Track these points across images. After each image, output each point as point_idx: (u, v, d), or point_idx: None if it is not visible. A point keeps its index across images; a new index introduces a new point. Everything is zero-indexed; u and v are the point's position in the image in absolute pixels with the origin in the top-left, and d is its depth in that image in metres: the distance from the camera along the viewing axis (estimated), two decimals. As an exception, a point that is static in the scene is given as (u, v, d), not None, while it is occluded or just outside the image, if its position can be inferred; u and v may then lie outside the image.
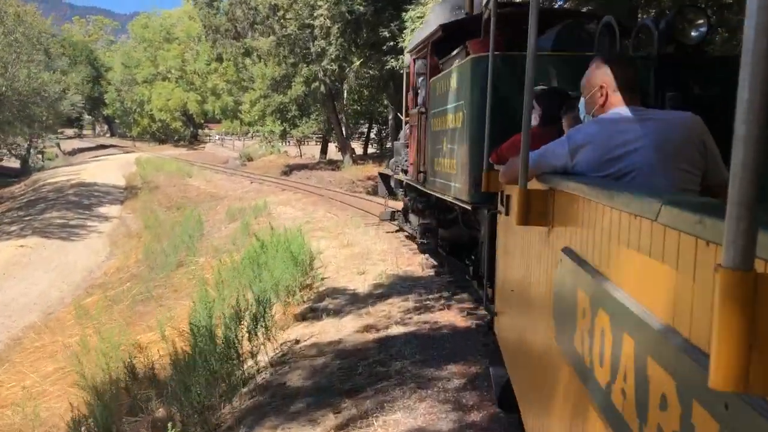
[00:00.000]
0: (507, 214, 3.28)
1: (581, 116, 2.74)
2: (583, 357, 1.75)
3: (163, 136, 64.10)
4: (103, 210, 25.01)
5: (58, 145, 57.34)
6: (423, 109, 7.53)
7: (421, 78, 8.08)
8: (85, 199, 27.04)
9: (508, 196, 3.25)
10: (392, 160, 11.04)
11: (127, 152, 53.54)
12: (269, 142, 38.08)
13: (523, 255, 2.89)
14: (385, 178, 11.78)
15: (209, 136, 58.13)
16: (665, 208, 1.19)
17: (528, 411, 2.76)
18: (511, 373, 3.34)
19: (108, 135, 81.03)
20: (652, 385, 1.21)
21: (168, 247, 14.83)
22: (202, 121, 64.15)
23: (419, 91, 8.31)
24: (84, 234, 21.10)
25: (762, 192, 0.80)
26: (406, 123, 10.13)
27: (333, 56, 21.95)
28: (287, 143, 41.38)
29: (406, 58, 10.31)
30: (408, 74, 9.35)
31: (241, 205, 17.50)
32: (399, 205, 11.61)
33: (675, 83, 4.78)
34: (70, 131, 72.18)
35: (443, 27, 7.12)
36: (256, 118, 35.28)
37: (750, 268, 0.80)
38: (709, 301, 0.96)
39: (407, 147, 9.40)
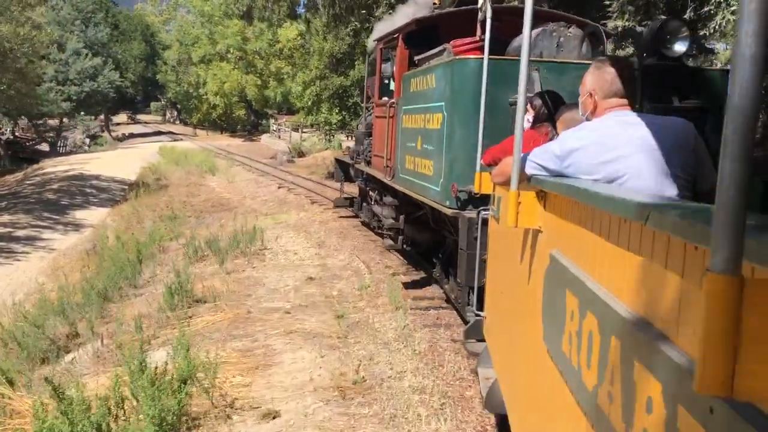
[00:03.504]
0: (498, 216, 3.29)
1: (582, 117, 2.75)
2: (571, 359, 1.76)
3: (224, 124, 56.78)
4: (81, 214, 19.19)
5: (108, 128, 54.58)
6: (393, 102, 7.45)
7: (388, 67, 8.06)
8: (67, 198, 21.57)
9: (499, 198, 3.26)
10: (352, 148, 11.01)
11: (176, 140, 48.56)
12: (325, 134, 30.50)
13: (514, 257, 2.89)
14: (342, 164, 11.79)
15: (280, 126, 47.93)
16: (654, 212, 1.19)
17: (515, 412, 2.77)
18: (499, 375, 3.35)
19: (178, 121, 72.26)
20: (638, 389, 1.22)
21: (51, 318, 7.50)
22: (266, 110, 54.73)
23: (386, 81, 8.29)
24: (22, 252, 14.55)
25: (749, 198, 0.80)
26: (368, 110, 10.14)
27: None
28: (350, 137, 33.08)
29: (370, 44, 10.20)
30: (373, 62, 9.34)
31: (229, 229, 10.64)
32: (354, 191, 11.67)
33: (658, 94, 4.82)
34: (116, 116, 66.60)
35: (417, 21, 7.16)
36: (309, 103, 28.31)
37: (737, 274, 0.81)
38: (697, 305, 0.96)
39: (370, 136, 9.41)
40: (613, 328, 1.39)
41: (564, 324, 1.83)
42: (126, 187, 23.92)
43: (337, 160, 12.49)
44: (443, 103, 5.48)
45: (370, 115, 9.57)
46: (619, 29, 9.73)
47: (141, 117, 77.25)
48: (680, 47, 4.81)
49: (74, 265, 12.23)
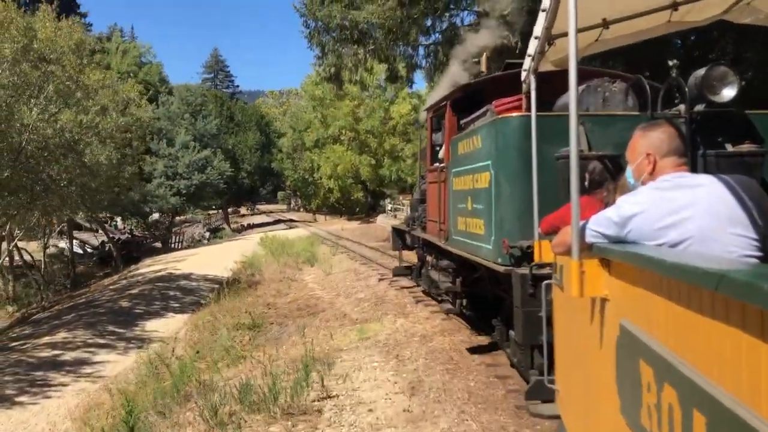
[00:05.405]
0: (561, 284, 3.24)
1: (630, 183, 2.73)
2: (653, 433, 1.68)
3: (342, 207, 55.64)
4: (154, 324, 16.77)
5: (227, 220, 56.26)
6: (443, 167, 7.61)
7: (439, 135, 8.29)
8: (143, 305, 19.26)
9: (561, 266, 3.21)
10: (407, 215, 11.19)
11: (291, 227, 48.16)
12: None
13: (582, 326, 2.82)
14: (399, 232, 11.99)
15: (397, 206, 42.64)
16: (726, 278, 1.17)
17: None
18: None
19: (301, 209, 73.10)
20: (728, 465, 1.16)
21: None
22: (383, 189, 51.52)
23: (437, 148, 8.52)
24: (58, 384, 12.02)
25: None
26: (422, 178, 10.42)
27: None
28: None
29: (422, 115, 10.57)
30: (425, 130, 9.63)
31: (294, 353, 8.35)
32: (413, 258, 11.65)
33: (710, 141, 4.75)
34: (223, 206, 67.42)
35: (464, 87, 7.40)
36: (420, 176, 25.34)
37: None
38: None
39: (424, 203, 9.61)
40: (694, 400, 1.34)
41: (641, 396, 1.77)
42: (215, 285, 21.19)
43: (394, 229, 12.78)
44: (490, 162, 5.61)
45: (425, 182, 9.83)
46: None
47: (269, 207, 79.76)
48: (729, 93, 4.77)
49: (114, 402, 9.43)
